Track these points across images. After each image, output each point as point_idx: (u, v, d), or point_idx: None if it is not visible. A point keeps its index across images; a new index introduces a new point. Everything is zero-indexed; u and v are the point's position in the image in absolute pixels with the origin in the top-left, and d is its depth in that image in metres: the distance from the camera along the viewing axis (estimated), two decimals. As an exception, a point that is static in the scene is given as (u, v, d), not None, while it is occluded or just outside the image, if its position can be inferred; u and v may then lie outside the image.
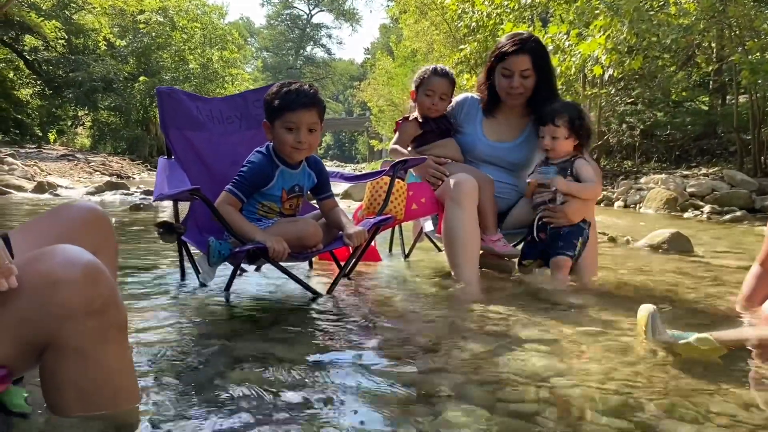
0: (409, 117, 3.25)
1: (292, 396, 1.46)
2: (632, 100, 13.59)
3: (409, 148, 3.22)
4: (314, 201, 2.72)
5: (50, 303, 1.11)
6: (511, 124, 3.24)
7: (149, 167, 20.39)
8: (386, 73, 32.77)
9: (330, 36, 72.56)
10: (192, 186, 2.15)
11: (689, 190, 9.29)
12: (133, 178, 15.36)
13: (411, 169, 3.10)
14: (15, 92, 24.63)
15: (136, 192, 9.16)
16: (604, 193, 10.58)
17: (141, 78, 23.58)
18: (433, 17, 21.25)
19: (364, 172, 3.28)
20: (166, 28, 23.92)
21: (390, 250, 3.80)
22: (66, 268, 1.14)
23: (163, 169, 2.51)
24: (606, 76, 9.76)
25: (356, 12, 68.91)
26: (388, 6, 39.32)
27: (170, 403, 1.38)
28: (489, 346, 1.91)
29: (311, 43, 68.94)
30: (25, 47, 23.72)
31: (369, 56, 60.96)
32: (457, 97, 3.37)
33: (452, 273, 2.92)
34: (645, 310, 1.99)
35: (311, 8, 66.79)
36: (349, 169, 34.78)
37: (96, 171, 14.83)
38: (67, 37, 22.10)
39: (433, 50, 22.34)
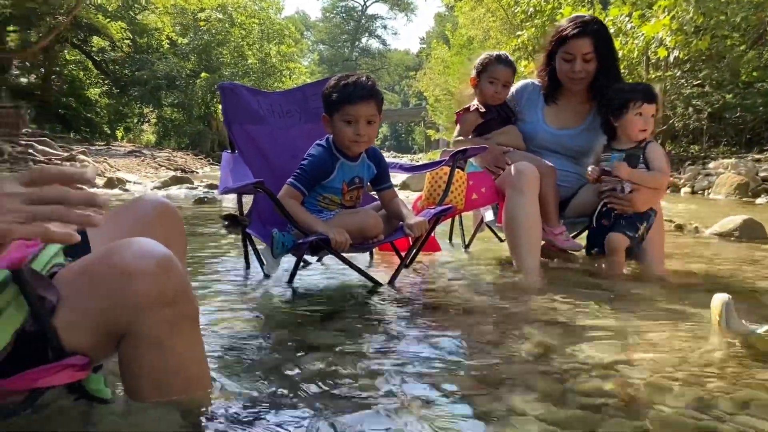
0: (469, 108, 3.22)
1: (356, 385, 1.48)
2: (699, 82, 13.06)
3: (470, 138, 3.20)
4: (374, 192, 2.73)
5: (126, 294, 1.15)
6: (573, 110, 3.17)
7: (211, 162, 20.91)
8: (442, 62, 32.53)
9: (385, 27, 72.77)
10: (255, 180, 2.19)
11: (761, 174, 8.87)
12: (197, 173, 15.78)
13: (471, 159, 3.07)
14: (84, 92, 25.67)
15: (200, 186, 9.42)
16: (670, 178, 10.22)
17: (202, 75, 24.16)
18: (489, 4, 20.94)
19: (422, 162, 3.26)
20: (225, 24, 24.42)
21: (450, 240, 3.79)
22: (141, 260, 1.18)
23: (227, 163, 2.57)
24: (671, 58, 9.40)
25: (411, 2, 68.58)
26: (444, -5, 39.01)
27: (239, 390, 1.42)
28: (554, 336, 1.89)
29: (366, 34, 69.07)
30: (93, 48, 24.64)
31: (424, 45, 60.68)
32: (516, 84, 3.32)
33: (513, 263, 2.89)
34: (719, 299, 1.92)
35: (366, -1, 66.91)
36: (406, 160, 34.74)
37: (161, 166, 15.31)
38: (132, 37, 22.84)
39: (490, 37, 22.05)
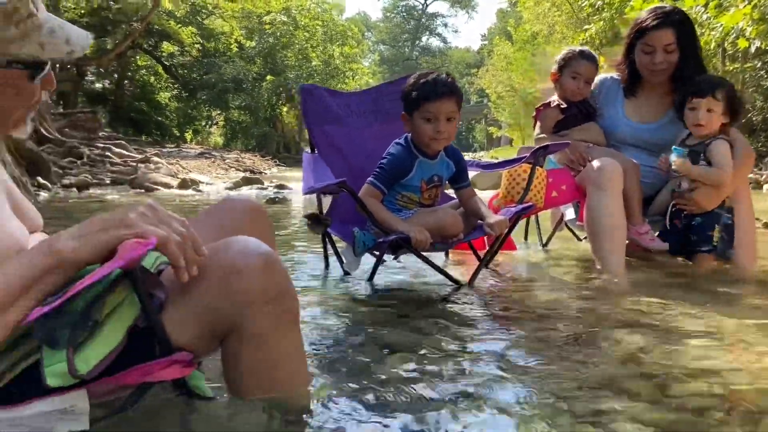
0: (549, 104, 3.15)
1: (441, 385, 1.47)
2: (780, 73, 12.42)
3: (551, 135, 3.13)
4: (450, 190, 2.71)
5: (232, 291, 1.18)
6: (654, 103, 3.06)
7: (278, 162, 21.34)
8: (505, 59, 32.11)
9: (445, 25, 72.14)
10: (338, 179, 2.21)
11: None
12: (265, 173, 16.11)
13: (551, 155, 3.01)
14: (155, 96, 26.66)
15: (270, 186, 9.62)
16: (750, 175, 9.75)
17: (268, 77, 24.68)
18: (555, -2, 20.53)
19: (498, 160, 3.20)
20: (289, 27, 24.85)
21: (525, 238, 3.72)
22: (246, 258, 1.20)
23: (308, 164, 2.60)
24: (752, 49, 8.96)
25: (472, -1, 67.99)
26: (506, -10, 38.49)
27: (332, 389, 1.44)
28: (646, 339, 1.82)
29: (427, 33, 68.89)
30: (163, 53, 25.56)
31: (485, 42, 60.02)
32: (595, 79, 3.23)
33: (596, 263, 2.81)
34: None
35: (427, -2, 66.74)
36: (468, 158, 34.28)
37: (231, 167, 15.72)
38: (200, 41, 23.55)
39: (555, 32, 21.62)
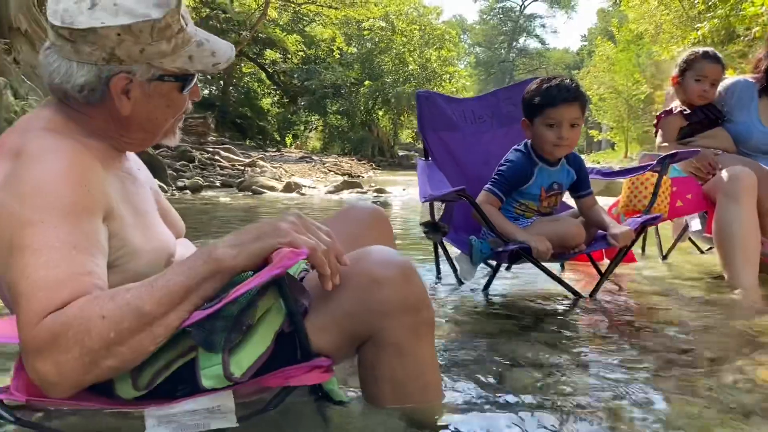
0: (671, 110, 3.00)
1: (574, 398, 1.43)
2: None
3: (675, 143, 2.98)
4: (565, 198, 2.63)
5: (373, 300, 1.19)
6: (794, 107, 2.85)
7: (374, 166, 21.61)
8: (607, 60, 30.99)
9: (543, 26, 70.55)
10: (458, 187, 2.19)
11: None
12: (362, 177, 16.35)
13: (676, 163, 2.86)
14: (258, 102, 27.71)
15: (369, 190, 9.74)
16: None
17: (365, 82, 25.05)
18: (662, -5, 19.56)
19: (620, 168, 3.07)
20: (387, 32, 25.11)
21: (643, 250, 3.55)
22: (385, 267, 1.21)
23: (423, 171, 2.60)
24: None
25: (572, -2, 66.08)
26: (609, -12, 37.13)
27: (464, 400, 1.43)
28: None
29: (524, 34, 67.56)
30: (266, 61, 26.50)
31: (585, 43, 58.20)
32: (725, 81, 3.04)
33: (725, 277, 2.64)
34: None
35: (524, -1, 65.52)
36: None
37: (330, 171, 16.08)
38: (304, 48, 24.25)
39: (663, 31, 20.60)
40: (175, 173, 10.13)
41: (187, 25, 1.21)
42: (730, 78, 3.06)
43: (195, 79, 1.27)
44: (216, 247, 1.08)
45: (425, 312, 1.25)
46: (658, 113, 3.12)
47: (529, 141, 2.42)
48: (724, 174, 2.63)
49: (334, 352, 1.23)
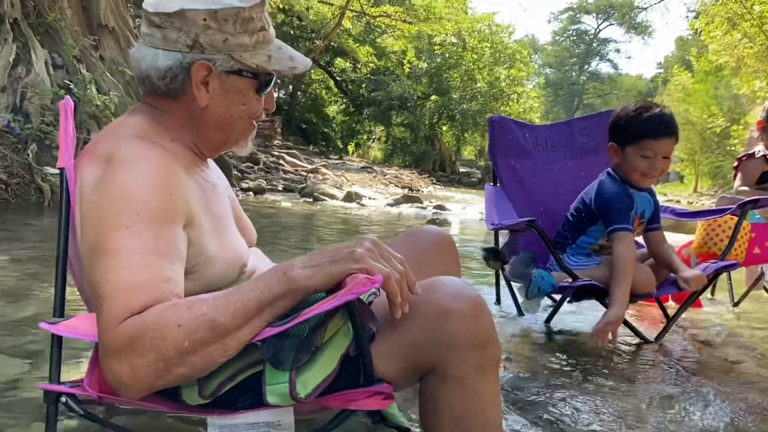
0: (753, 154, 2.89)
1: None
2: None
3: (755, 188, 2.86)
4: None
5: (441, 331, 1.18)
6: None
7: (434, 181, 21.58)
8: (683, 89, 30.12)
9: (618, 50, 69.13)
10: (528, 218, 2.16)
11: None
12: (422, 191, 16.35)
13: (756, 209, 2.74)
14: (324, 109, 28.11)
15: (429, 206, 9.72)
16: None
17: (432, 97, 25.05)
18: (747, 28, 18.89)
19: (698, 209, 2.96)
20: (458, 48, 25.06)
21: (712, 294, 3.41)
22: (456, 300, 1.19)
23: (491, 197, 2.57)
24: None
25: (649, 24, 64.55)
26: (689, 18, 36.17)
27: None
28: None
29: (597, 57, 66.33)
30: (336, 69, 26.88)
31: (661, 71, 56.72)
32: (814, 129, 2.92)
33: (802, 332, 2.51)
34: None
35: (600, 22, 64.35)
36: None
37: (390, 183, 16.12)
38: (375, 60, 24.48)
39: (744, 65, 19.88)
40: (240, 174, 10.37)
41: (269, 27, 1.25)
42: (820, 123, 2.92)
43: (272, 84, 1.31)
44: (292, 267, 1.09)
45: (492, 349, 1.23)
46: (739, 156, 3.01)
47: (613, 167, 2.35)
48: (808, 224, 2.51)
49: (396, 379, 1.23)
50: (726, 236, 2.51)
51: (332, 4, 18.77)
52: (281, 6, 18.58)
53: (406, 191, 13.00)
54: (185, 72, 1.21)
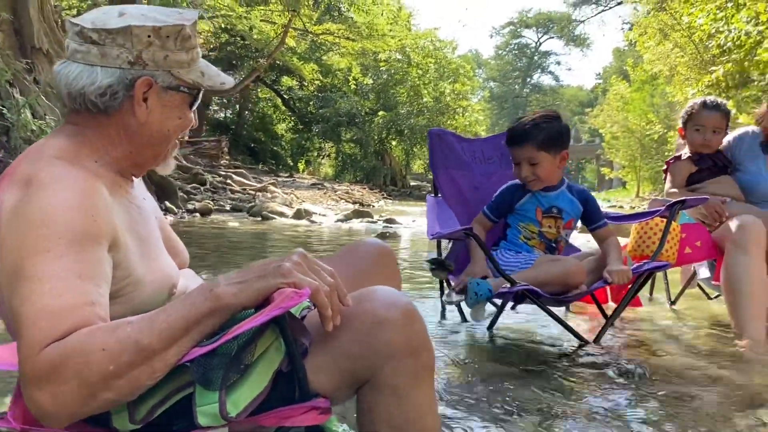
0: (680, 156, 3.01)
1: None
2: None
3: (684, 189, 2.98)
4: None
5: (375, 341, 1.18)
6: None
7: (385, 195, 21.69)
8: (621, 98, 31.16)
9: (558, 63, 71.05)
10: (465, 226, 2.20)
11: None
12: (373, 206, 16.38)
13: (685, 210, 2.86)
14: (273, 127, 28.00)
15: (380, 220, 9.74)
16: None
17: (380, 112, 25.25)
18: (677, 38, 19.70)
19: (629, 212, 3.06)
20: (403, 65, 25.37)
21: (650, 294, 3.52)
22: (388, 309, 1.20)
23: (432, 207, 2.61)
24: None
25: (587, 37, 66.71)
26: (624, 29, 37.56)
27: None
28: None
29: (539, 70, 68.16)
30: (283, 87, 26.83)
31: (600, 81, 58.57)
32: (734, 132, 3.06)
33: (733, 326, 2.61)
34: None
35: (540, 36, 66.19)
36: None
37: (341, 199, 16.11)
38: (320, 77, 24.53)
39: (677, 73, 20.70)
40: (185, 196, 10.20)
41: (198, 45, 1.29)
42: (740, 128, 3.07)
43: (200, 95, 1.32)
44: (218, 284, 1.08)
45: (426, 356, 1.24)
46: (667, 159, 3.13)
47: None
48: (733, 223, 2.62)
49: (332, 393, 1.22)
50: (657, 238, 2.60)
51: (275, 23, 18.74)
52: (223, 26, 18.45)
53: (356, 206, 13.01)
54: (126, 88, 1.20)
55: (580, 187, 2.56)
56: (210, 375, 1.11)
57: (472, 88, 30.76)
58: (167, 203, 8.90)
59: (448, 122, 25.57)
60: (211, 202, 10.30)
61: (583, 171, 59.48)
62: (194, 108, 1.33)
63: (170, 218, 8.29)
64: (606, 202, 26.90)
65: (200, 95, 1.32)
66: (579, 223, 2.58)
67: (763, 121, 2.95)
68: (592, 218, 2.53)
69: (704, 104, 2.97)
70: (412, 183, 28.12)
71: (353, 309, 1.20)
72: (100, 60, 1.19)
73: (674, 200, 2.55)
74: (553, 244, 2.49)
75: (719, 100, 3.04)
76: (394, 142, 26.66)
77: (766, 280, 2.56)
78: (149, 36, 1.18)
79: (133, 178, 1.36)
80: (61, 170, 1.14)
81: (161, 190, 9.11)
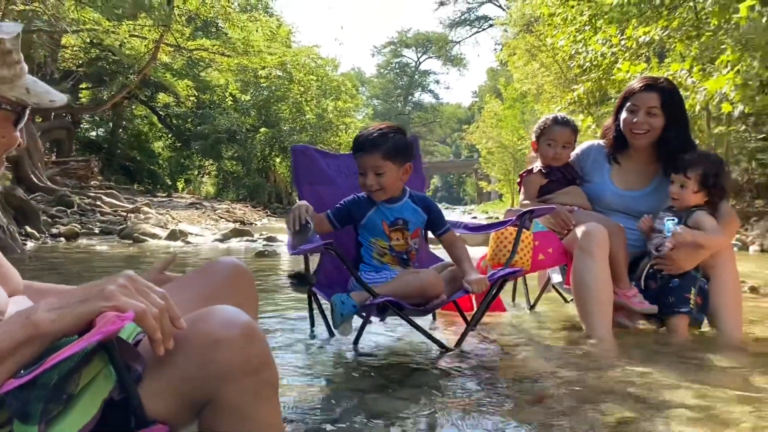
0: (532, 170, 3.20)
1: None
2: (764, 135, 12.66)
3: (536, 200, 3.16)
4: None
5: (212, 362, 1.16)
6: (640, 171, 3.11)
7: (269, 213, 21.36)
8: (495, 116, 32.78)
9: (438, 81, 73.67)
10: (325, 241, 2.21)
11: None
12: (255, 224, 16.08)
13: (537, 218, 3.04)
14: (149, 145, 26.86)
15: (260, 239, 9.56)
16: (737, 236, 9.84)
17: (261, 129, 24.90)
18: (543, 59, 21.06)
19: (486, 222, 3.21)
20: (284, 81, 25.20)
21: (513, 299, 3.71)
22: (226, 328, 1.18)
23: (295, 223, 2.60)
24: (736, 113, 9.17)
25: (463, 57, 69.75)
26: (496, 50, 39.59)
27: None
28: (633, 410, 1.81)
29: (419, 89, 70.28)
30: (158, 104, 25.83)
31: (476, 99, 61.30)
32: (582, 145, 3.30)
33: (583, 327, 2.80)
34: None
35: (419, 56, 68.32)
36: (458, 211, 34.70)
37: (221, 218, 15.67)
38: (196, 93, 23.86)
39: (544, 91, 22.10)
40: (50, 219, 9.54)
41: (22, 61, 1.21)
42: (585, 143, 3.32)
43: (27, 114, 1.25)
44: (35, 311, 1.02)
45: (267, 373, 1.23)
46: (521, 172, 3.32)
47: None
48: (579, 230, 2.81)
49: (172, 418, 1.18)
50: (511, 246, 2.74)
51: (146, 38, 18.04)
52: (91, 40, 17.53)
53: (237, 225, 12.72)
54: None
55: (421, 195, 2.62)
56: (28, 409, 1.04)
57: (355, 105, 31.11)
58: (28, 228, 8.28)
59: (332, 139, 25.68)
60: (79, 226, 9.69)
61: (464, 185, 61.84)
62: (20, 126, 1.25)
63: (31, 244, 7.72)
64: (484, 213, 28.10)
65: (26, 113, 1.25)
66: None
67: (608, 133, 3.20)
68: (436, 225, 2.60)
69: (555, 120, 3.18)
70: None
71: (190, 330, 1.17)
72: None
73: (524, 210, 2.71)
74: (405, 256, 2.55)
75: (568, 117, 3.27)
76: (278, 159, 26.34)
77: (609, 282, 2.77)
78: None
79: None
80: None
81: (21, 214, 8.47)
